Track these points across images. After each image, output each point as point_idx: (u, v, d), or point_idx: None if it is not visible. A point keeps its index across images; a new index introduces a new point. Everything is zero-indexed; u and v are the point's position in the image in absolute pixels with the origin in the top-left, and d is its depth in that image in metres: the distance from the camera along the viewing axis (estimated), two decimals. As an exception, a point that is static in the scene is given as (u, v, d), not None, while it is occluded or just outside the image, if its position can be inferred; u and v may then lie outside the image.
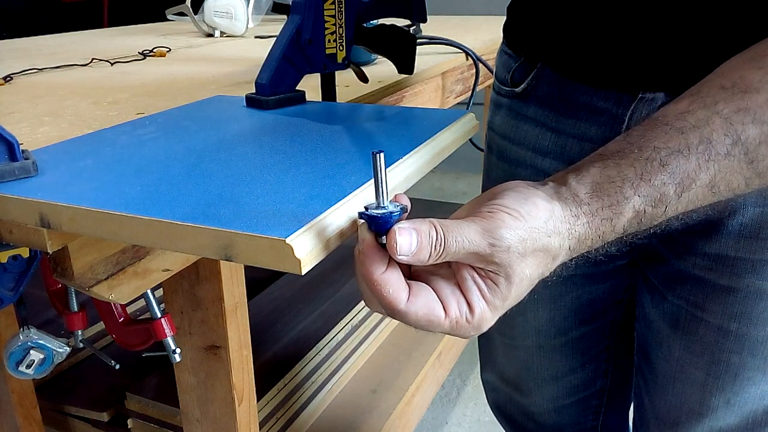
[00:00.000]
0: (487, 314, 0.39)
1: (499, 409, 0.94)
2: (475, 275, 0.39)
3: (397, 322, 1.51)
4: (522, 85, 0.69)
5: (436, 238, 0.37)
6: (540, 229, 0.39)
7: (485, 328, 0.40)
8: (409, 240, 0.37)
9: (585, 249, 0.42)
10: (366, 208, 0.38)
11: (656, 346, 0.69)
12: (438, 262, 0.38)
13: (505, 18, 0.73)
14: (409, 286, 0.39)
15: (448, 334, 0.40)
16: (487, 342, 0.90)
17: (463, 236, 0.38)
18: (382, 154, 0.36)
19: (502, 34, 0.74)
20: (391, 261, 0.38)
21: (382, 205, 0.38)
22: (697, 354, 0.64)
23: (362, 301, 1.36)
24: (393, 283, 0.38)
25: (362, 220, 0.38)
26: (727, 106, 0.42)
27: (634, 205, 0.42)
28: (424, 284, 0.40)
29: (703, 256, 0.60)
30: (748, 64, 0.44)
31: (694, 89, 0.45)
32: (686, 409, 0.67)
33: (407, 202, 0.40)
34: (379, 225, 0.37)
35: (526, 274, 0.39)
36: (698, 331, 0.63)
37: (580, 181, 0.42)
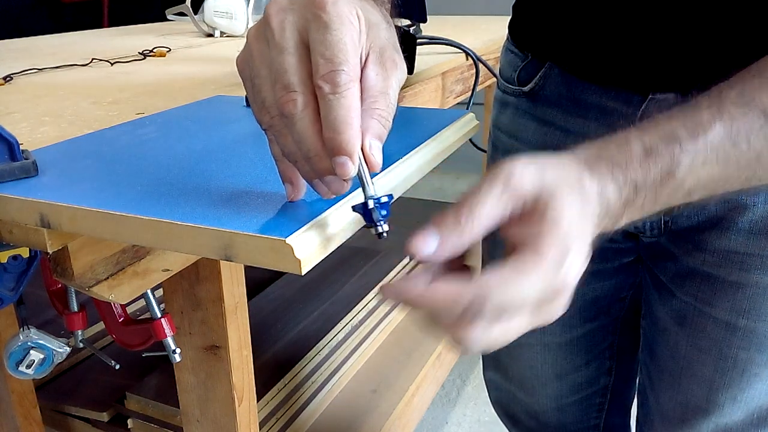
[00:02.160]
0: (558, 232, 0.35)
1: (502, 408, 0.94)
2: (521, 226, 0.36)
3: (397, 322, 1.50)
4: (530, 85, 0.69)
5: (452, 213, 0.35)
6: (546, 159, 0.37)
7: (571, 267, 0.35)
8: (423, 239, 0.35)
9: (604, 164, 0.39)
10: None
11: (663, 343, 0.70)
12: (476, 229, 0.35)
13: (505, 17, 0.73)
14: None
15: (544, 288, 0.34)
16: None
17: (477, 192, 0.36)
18: None
19: (502, 34, 0.74)
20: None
21: (369, 195, 0.36)
22: (705, 350, 0.64)
23: (362, 301, 1.36)
24: (445, 283, 0.34)
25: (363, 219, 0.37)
26: (734, 89, 0.41)
27: (642, 141, 0.39)
28: None
29: (713, 253, 0.61)
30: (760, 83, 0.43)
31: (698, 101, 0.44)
32: (692, 405, 0.68)
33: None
34: (370, 214, 0.36)
35: (564, 188, 0.36)
36: (706, 328, 0.64)
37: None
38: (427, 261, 0.35)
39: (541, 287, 0.34)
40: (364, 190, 0.36)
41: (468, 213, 0.35)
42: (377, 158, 0.35)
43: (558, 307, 0.36)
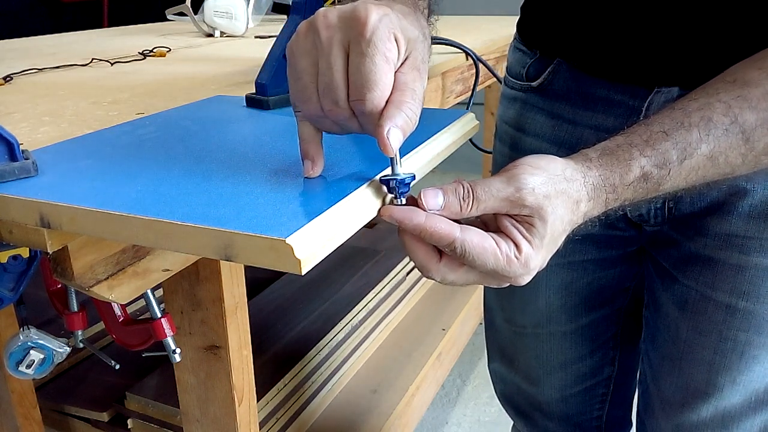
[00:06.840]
0: (530, 251, 0.43)
1: (507, 399, 0.95)
2: (513, 221, 0.43)
3: (397, 322, 1.51)
4: (539, 80, 0.71)
5: (464, 192, 0.42)
6: (558, 175, 0.44)
7: (533, 267, 0.43)
8: (434, 195, 0.42)
9: (602, 202, 0.46)
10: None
11: (664, 329, 0.71)
12: (474, 213, 0.43)
13: (505, 17, 0.75)
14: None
15: (500, 274, 0.43)
16: (495, 332, 0.91)
17: (491, 186, 0.43)
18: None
19: (502, 34, 0.75)
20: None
21: (396, 173, 0.42)
22: (705, 333, 0.66)
23: (362, 301, 1.36)
24: (441, 220, 0.42)
25: (386, 190, 0.43)
26: (727, 94, 0.47)
27: (640, 164, 0.46)
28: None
29: (714, 237, 0.63)
30: (750, 65, 0.49)
31: (701, 86, 0.50)
32: (692, 389, 0.69)
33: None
34: (395, 185, 0.42)
35: (558, 214, 0.43)
36: (707, 311, 0.66)
37: (590, 149, 0.48)
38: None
39: (501, 273, 0.43)
40: (393, 168, 0.42)
41: (476, 202, 0.42)
42: (393, 144, 0.40)
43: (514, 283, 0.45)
